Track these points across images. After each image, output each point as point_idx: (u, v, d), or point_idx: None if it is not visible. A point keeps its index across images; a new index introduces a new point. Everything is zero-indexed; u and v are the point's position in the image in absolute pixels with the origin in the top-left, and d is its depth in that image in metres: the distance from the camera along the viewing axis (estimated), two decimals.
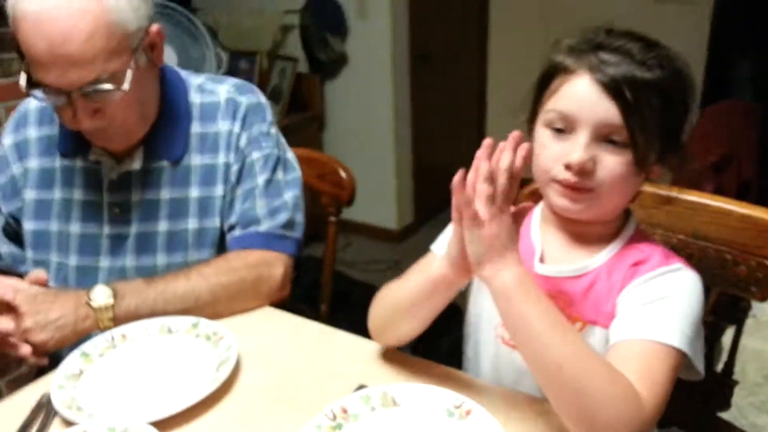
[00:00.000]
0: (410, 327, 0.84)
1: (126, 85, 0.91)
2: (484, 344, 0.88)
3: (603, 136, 0.72)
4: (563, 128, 0.74)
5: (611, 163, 0.72)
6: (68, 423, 0.77)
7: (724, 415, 0.98)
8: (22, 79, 0.91)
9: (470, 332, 0.91)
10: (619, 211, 0.80)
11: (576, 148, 0.72)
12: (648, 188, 0.83)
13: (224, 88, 1.10)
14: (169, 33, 2.43)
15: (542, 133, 0.76)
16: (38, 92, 0.91)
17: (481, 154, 0.70)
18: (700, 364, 0.72)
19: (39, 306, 0.90)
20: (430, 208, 3.43)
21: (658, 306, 0.72)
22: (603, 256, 0.79)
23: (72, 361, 0.88)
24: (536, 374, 0.69)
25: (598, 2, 3.12)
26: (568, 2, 3.24)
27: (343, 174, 1.31)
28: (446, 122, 3.50)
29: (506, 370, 0.85)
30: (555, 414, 0.73)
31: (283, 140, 1.13)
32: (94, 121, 0.93)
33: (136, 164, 1.04)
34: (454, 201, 0.70)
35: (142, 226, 1.05)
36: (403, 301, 0.82)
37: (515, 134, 0.70)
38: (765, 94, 2.43)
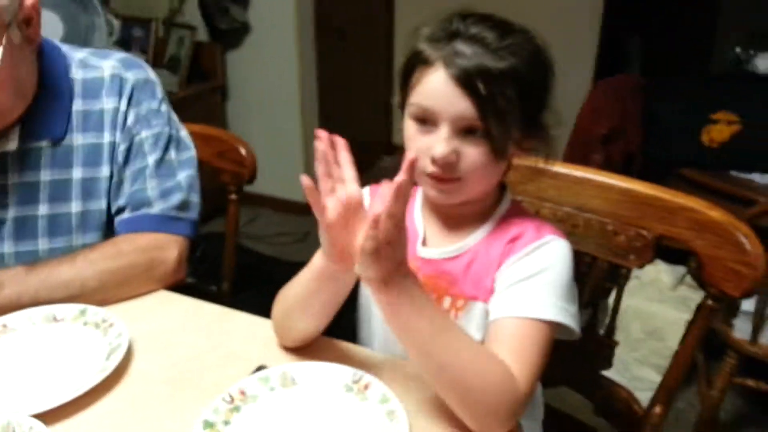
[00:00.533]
0: (306, 324, 0.83)
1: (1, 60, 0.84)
2: (375, 326, 0.90)
3: (462, 129, 0.74)
4: (426, 121, 0.76)
5: (472, 153, 0.75)
6: None
7: (610, 372, 1.06)
8: None
9: (362, 315, 0.93)
10: (488, 192, 0.83)
11: (438, 142, 0.74)
12: (528, 163, 0.85)
13: (109, 63, 1.03)
14: (55, 1, 2.25)
15: (409, 125, 0.78)
16: None
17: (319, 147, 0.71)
18: (575, 326, 0.77)
19: None
20: None
21: (531, 283, 0.76)
22: (479, 234, 0.83)
23: None
24: (422, 373, 0.73)
25: None
26: None
27: (243, 151, 1.27)
28: (353, 94, 3.49)
29: (396, 350, 0.86)
30: None
31: (175, 118, 1.08)
32: None
33: (12, 145, 0.96)
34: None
35: (20, 209, 0.98)
36: (296, 298, 0.82)
37: (323, 135, 0.71)
38: (652, 69, 2.59)
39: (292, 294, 0.83)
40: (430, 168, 0.76)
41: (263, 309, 0.93)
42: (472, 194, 0.80)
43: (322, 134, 0.71)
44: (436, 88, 0.73)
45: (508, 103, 0.72)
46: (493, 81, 0.71)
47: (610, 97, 1.94)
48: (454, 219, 0.84)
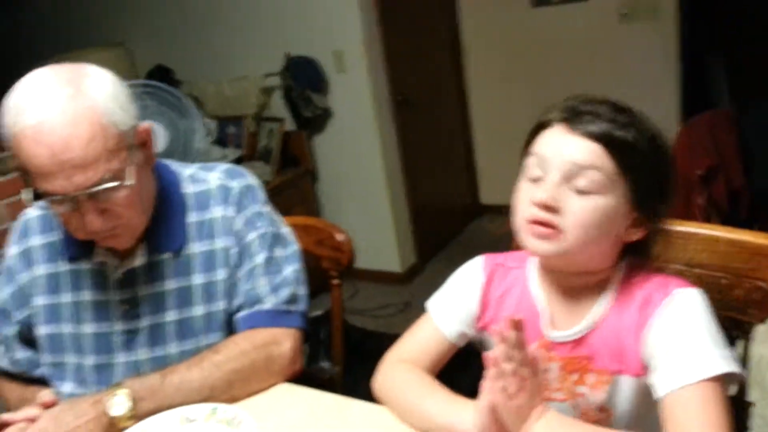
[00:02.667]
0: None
1: (130, 181, 0.95)
2: None
3: (571, 177, 0.76)
4: (539, 174, 0.78)
5: (578, 204, 0.76)
6: None
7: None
8: (26, 194, 0.95)
9: None
10: (602, 262, 0.82)
11: (544, 186, 0.77)
12: None
13: (215, 176, 1.13)
14: (155, 110, 2.49)
15: (521, 186, 0.81)
16: (46, 202, 0.94)
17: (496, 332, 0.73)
18: (737, 367, 0.75)
19: (64, 428, 0.91)
20: (432, 245, 3.46)
21: (684, 343, 0.74)
22: (603, 304, 0.82)
23: None
24: None
25: (566, 29, 3.23)
26: (536, 31, 3.33)
27: (339, 238, 1.33)
28: (436, 161, 3.55)
29: None
30: None
31: (276, 217, 1.16)
32: (103, 222, 0.95)
33: (139, 260, 1.07)
34: (486, 375, 0.74)
35: (152, 318, 1.07)
36: (406, 416, 0.87)
37: (508, 319, 0.73)
38: (742, 100, 2.47)
39: (409, 418, 0.87)
40: (530, 212, 0.77)
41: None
42: (576, 256, 0.79)
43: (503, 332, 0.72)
44: (554, 137, 0.78)
45: (625, 165, 0.75)
46: (611, 141, 0.75)
47: (701, 134, 1.86)
48: (575, 291, 0.84)
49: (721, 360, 0.73)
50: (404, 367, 0.92)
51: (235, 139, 3.21)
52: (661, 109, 2.80)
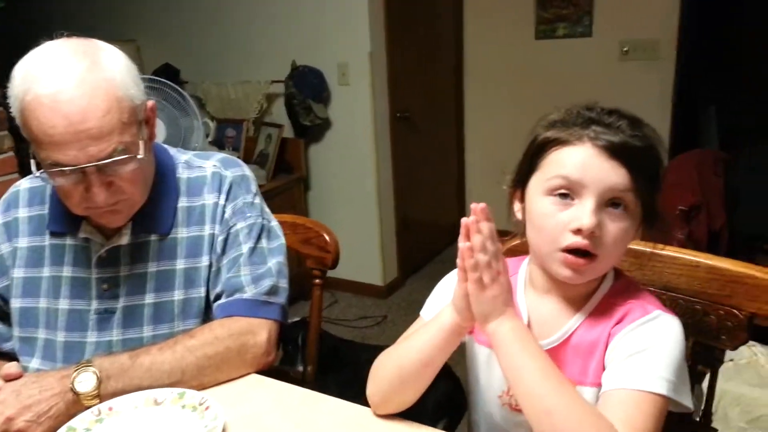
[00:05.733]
0: (418, 388, 0.87)
1: (141, 154, 0.96)
2: (488, 410, 0.92)
3: (607, 202, 0.76)
4: (568, 194, 0.77)
5: (614, 229, 0.76)
6: None
7: None
8: (34, 164, 0.95)
9: (475, 400, 0.95)
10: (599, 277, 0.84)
11: (585, 213, 0.75)
12: None
13: (210, 163, 1.14)
14: (158, 106, 2.51)
15: (543, 203, 0.79)
16: (53, 173, 0.93)
17: (470, 224, 0.75)
18: (686, 401, 0.76)
19: (26, 401, 0.89)
20: (415, 262, 3.48)
21: (641, 357, 0.76)
22: (581, 315, 0.83)
23: None
24: (529, 418, 0.74)
25: (567, 63, 3.29)
26: (538, 62, 3.39)
27: (327, 238, 1.34)
28: (427, 180, 3.59)
29: None
30: None
31: (267, 209, 1.17)
32: (107, 195, 0.95)
33: (125, 239, 1.07)
34: (459, 264, 0.77)
35: (129, 299, 1.07)
36: (413, 362, 0.85)
37: (480, 207, 0.75)
38: (730, 143, 2.53)
39: (410, 359, 0.85)
40: (571, 239, 0.76)
41: (345, 391, 0.96)
42: (598, 274, 0.81)
43: (475, 207, 0.75)
44: (584, 159, 0.76)
45: (646, 180, 0.76)
46: (640, 155, 0.76)
47: (688, 172, 1.90)
48: (559, 301, 0.85)
49: (668, 384, 0.74)
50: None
51: (234, 141, 3.22)
52: None
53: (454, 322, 0.81)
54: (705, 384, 1.01)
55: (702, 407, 1.00)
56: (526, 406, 0.74)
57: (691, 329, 0.93)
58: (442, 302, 0.90)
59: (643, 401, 0.73)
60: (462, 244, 0.75)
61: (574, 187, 0.76)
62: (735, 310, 0.89)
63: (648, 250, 0.93)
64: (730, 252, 0.91)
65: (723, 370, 0.97)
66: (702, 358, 0.99)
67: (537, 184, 0.80)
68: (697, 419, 0.99)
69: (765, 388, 1.77)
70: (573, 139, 0.77)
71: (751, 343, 0.97)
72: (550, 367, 0.74)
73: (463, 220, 0.75)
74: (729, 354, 1.00)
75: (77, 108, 0.89)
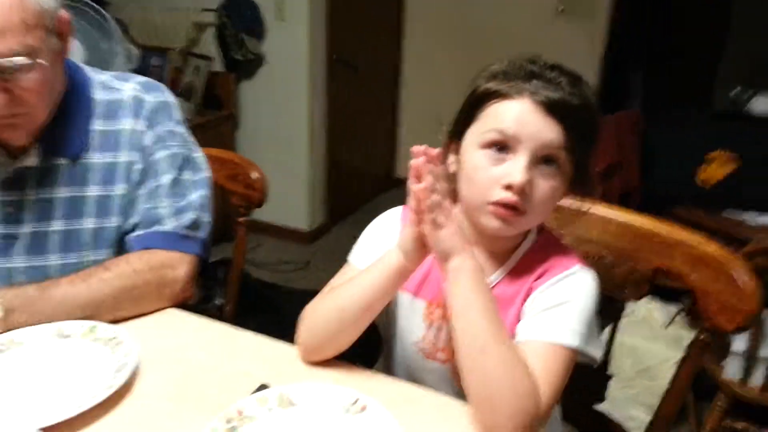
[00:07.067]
0: (355, 333, 0.86)
1: (42, 60, 0.89)
2: (404, 355, 0.94)
3: (540, 159, 0.77)
4: (502, 148, 0.77)
5: (544, 186, 0.78)
6: None
7: (603, 407, 1.07)
8: None
9: (392, 346, 0.97)
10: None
11: (517, 169, 0.76)
12: None
13: (130, 86, 1.07)
14: (77, 27, 2.33)
15: (477, 156, 0.79)
16: None
17: (420, 165, 0.74)
18: (594, 352, 0.81)
19: None
20: (341, 209, 3.47)
21: (558, 310, 0.79)
22: (502, 271, 0.86)
23: None
24: (462, 352, 0.75)
25: (506, 17, 3.30)
26: (477, 17, 3.39)
27: (255, 175, 1.31)
28: (360, 127, 3.56)
29: (426, 378, 0.91)
30: (450, 407, 0.80)
31: (191, 139, 1.12)
32: (7, 104, 0.89)
33: (32, 161, 1.00)
34: (412, 206, 0.76)
35: (35, 225, 1.01)
36: (355, 306, 0.84)
37: (424, 148, 0.74)
38: (652, 107, 2.63)
39: (350, 303, 0.84)
40: (501, 194, 0.77)
41: (264, 333, 0.96)
42: (524, 229, 0.83)
43: (417, 150, 0.74)
44: (521, 114, 0.76)
45: (580, 138, 0.77)
46: (576, 113, 0.76)
47: (609, 133, 1.97)
48: (490, 253, 0.87)
49: (580, 337, 0.78)
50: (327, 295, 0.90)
51: (158, 71, 3.04)
52: None
53: (400, 265, 0.81)
54: (604, 336, 1.07)
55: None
56: (462, 342, 0.75)
57: (599, 280, 0.99)
58: (374, 247, 0.91)
59: (556, 353, 0.77)
60: (414, 186, 0.74)
61: (509, 142, 0.77)
62: (641, 264, 0.94)
63: (573, 207, 0.96)
64: (639, 213, 0.97)
65: (620, 325, 1.03)
66: (606, 310, 1.05)
67: (473, 136, 0.81)
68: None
69: (656, 341, 1.93)
70: (513, 92, 0.77)
71: (649, 299, 1.03)
72: (496, 312, 0.76)
73: (412, 162, 0.74)
74: (627, 309, 1.06)
75: None
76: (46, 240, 1.01)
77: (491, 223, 0.80)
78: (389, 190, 3.79)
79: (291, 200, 3.19)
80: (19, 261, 1.01)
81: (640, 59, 2.96)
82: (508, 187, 0.77)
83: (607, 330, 1.07)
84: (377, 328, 0.98)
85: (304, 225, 3.27)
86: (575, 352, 0.78)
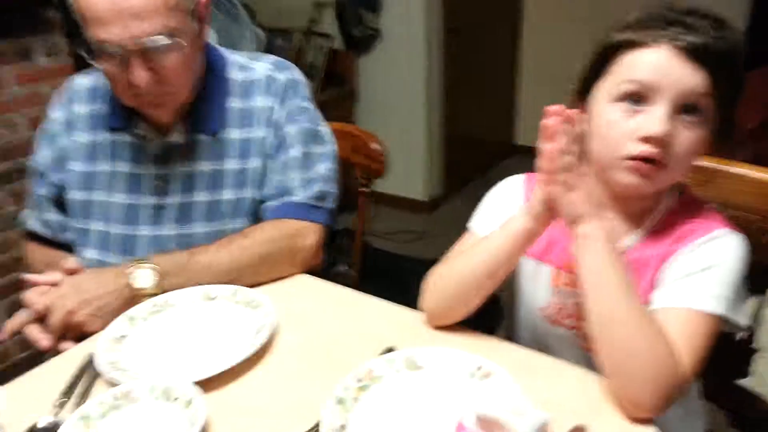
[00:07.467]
0: (480, 298, 0.85)
1: (185, 42, 0.96)
2: (529, 322, 0.93)
3: (681, 108, 0.72)
4: (639, 99, 0.73)
5: (687, 139, 0.73)
6: (112, 385, 0.81)
7: (750, 382, 0.98)
8: (82, 47, 0.96)
9: (517, 312, 0.96)
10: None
11: (655, 119, 0.72)
12: None
13: (263, 66, 1.13)
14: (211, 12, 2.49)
15: (610, 110, 0.76)
16: (99, 54, 0.94)
17: (554, 125, 0.71)
18: (741, 319, 0.75)
19: (85, 295, 0.94)
20: (459, 179, 3.44)
21: (700, 276, 0.74)
22: (638, 234, 0.82)
23: (117, 325, 0.92)
24: (593, 321, 0.73)
25: None
26: None
27: (374, 146, 1.33)
28: (478, 95, 3.48)
29: (552, 344, 0.89)
30: (574, 377, 0.78)
31: (318, 115, 1.16)
32: (150, 80, 0.96)
33: (177, 137, 1.09)
34: (543, 166, 0.74)
35: (182, 196, 1.10)
36: (477, 271, 0.83)
37: (559, 108, 0.71)
38: None
39: (473, 269, 0.83)
40: (639, 149, 0.73)
41: (385, 298, 0.98)
42: (664, 185, 0.78)
43: (552, 110, 0.72)
44: (660, 60, 0.72)
45: (728, 86, 0.72)
46: (723, 58, 0.71)
47: (761, 88, 1.76)
48: (623, 217, 0.83)
49: (722, 301, 0.73)
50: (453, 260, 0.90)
51: (282, 52, 3.18)
52: None
53: (526, 228, 0.79)
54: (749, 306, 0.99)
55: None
56: (593, 311, 0.73)
57: (748, 245, 0.91)
58: (496, 213, 0.90)
59: (698, 319, 0.72)
60: (545, 146, 0.72)
61: (646, 93, 0.72)
62: None
63: (713, 165, 0.89)
64: None
65: None
66: (756, 279, 0.96)
67: (605, 90, 0.77)
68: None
69: None
70: (649, 40, 0.72)
71: None
72: (628, 280, 0.72)
73: (545, 122, 0.72)
74: None
75: None
76: (192, 210, 1.10)
77: (628, 179, 0.75)
78: (508, 158, 3.71)
79: (409, 171, 3.22)
80: (168, 229, 1.10)
81: None
82: (647, 140, 0.72)
83: (751, 301, 0.98)
84: (498, 297, 0.97)
85: (422, 195, 3.29)
86: (719, 320, 0.73)
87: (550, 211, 0.77)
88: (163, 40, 0.94)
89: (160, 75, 0.97)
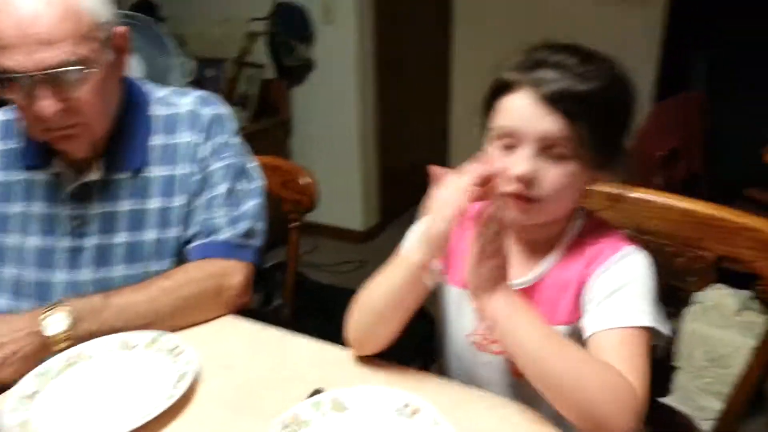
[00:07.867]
0: (395, 326, 0.86)
1: (98, 72, 0.93)
2: (456, 350, 0.93)
3: (546, 149, 0.76)
4: (509, 144, 0.78)
5: (553, 175, 0.77)
6: None
7: (672, 400, 1.02)
8: None
9: (445, 340, 0.96)
10: (567, 213, 0.84)
11: (519, 160, 0.76)
12: (596, 187, 0.87)
13: (187, 101, 1.11)
14: (135, 43, 2.43)
15: (493, 146, 0.81)
16: (3, 84, 0.90)
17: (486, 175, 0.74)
18: (665, 329, 0.78)
19: None
20: (395, 208, 3.45)
21: (622, 294, 0.78)
22: (553, 258, 0.84)
23: (26, 383, 0.86)
24: (538, 386, 0.74)
25: (556, 6, 3.19)
26: (528, 14, 3.29)
27: (304, 180, 1.32)
28: (411, 126, 3.53)
29: (480, 372, 0.90)
30: (506, 408, 0.78)
31: (245, 150, 1.15)
32: (59, 110, 0.91)
33: (95, 175, 1.05)
34: (478, 220, 0.76)
35: (100, 237, 1.05)
36: (391, 298, 0.84)
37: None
38: (718, 89, 2.48)
39: (384, 296, 0.85)
40: (510, 187, 0.77)
41: (323, 335, 0.97)
42: (550, 216, 0.82)
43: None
44: (521, 108, 0.77)
45: (594, 124, 0.75)
46: (578, 101, 0.74)
47: (671, 117, 1.87)
48: (530, 244, 0.86)
49: (647, 315, 0.76)
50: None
51: (214, 82, 3.13)
52: (638, 88, 2.79)
53: (420, 260, 0.80)
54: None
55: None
56: (531, 375, 0.74)
57: (661, 271, 0.94)
58: None
59: (633, 336, 0.75)
60: (481, 205, 0.75)
61: (514, 135, 0.78)
62: (704, 252, 0.90)
63: (617, 191, 0.94)
64: (707, 198, 0.91)
65: (690, 312, 0.99)
66: (671, 299, 1.01)
67: (489, 131, 0.82)
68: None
69: (728, 328, 1.82)
70: (516, 85, 0.78)
71: (718, 285, 0.98)
72: (547, 330, 0.74)
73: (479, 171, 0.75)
74: (697, 297, 1.01)
75: (29, 11, 0.86)
76: (111, 252, 1.06)
77: (510, 214, 0.80)
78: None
79: (345, 201, 3.22)
80: (86, 273, 1.05)
81: (702, 40, 2.80)
82: (516, 179, 0.77)
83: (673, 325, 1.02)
84: (432, 334, 0.97)
85: (359, 225, 3.29)
86: (650, 332, 0.76)
87: (443, 247, 0.78)
88: (72, 69, 0.90)
89: (69, 105, 0.93)
